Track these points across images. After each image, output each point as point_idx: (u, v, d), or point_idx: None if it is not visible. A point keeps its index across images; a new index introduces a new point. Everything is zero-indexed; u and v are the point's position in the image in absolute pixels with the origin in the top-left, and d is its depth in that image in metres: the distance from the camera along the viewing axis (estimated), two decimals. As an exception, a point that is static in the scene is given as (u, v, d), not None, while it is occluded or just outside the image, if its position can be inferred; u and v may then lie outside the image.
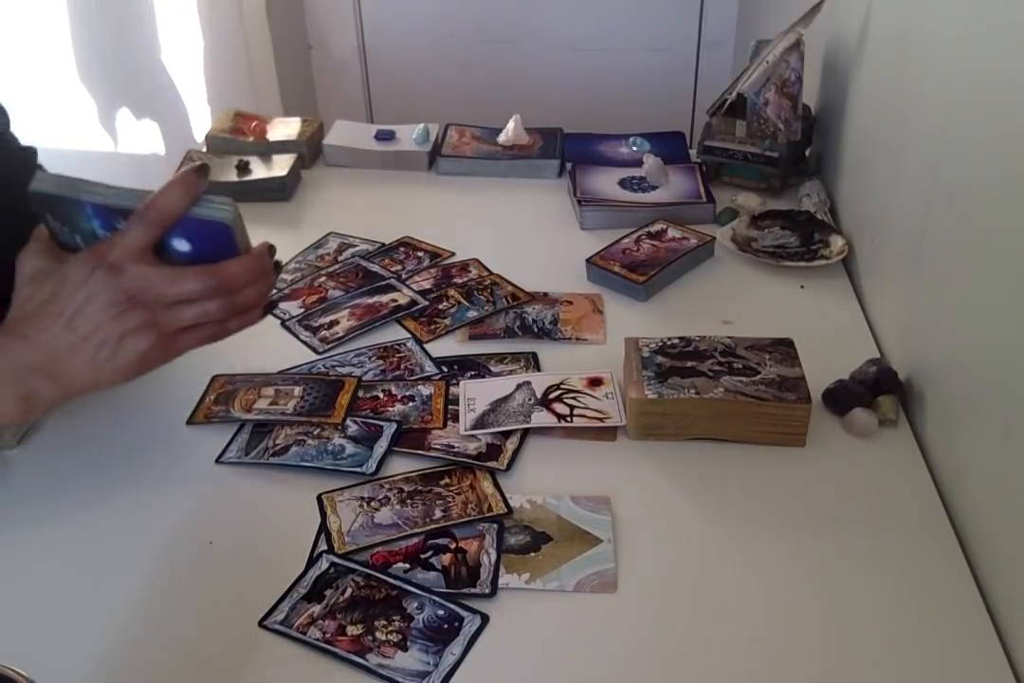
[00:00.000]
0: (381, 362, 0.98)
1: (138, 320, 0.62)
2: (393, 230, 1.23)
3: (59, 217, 0.64)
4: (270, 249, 0.66)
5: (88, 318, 0.61)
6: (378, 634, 0.68)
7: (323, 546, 0.76)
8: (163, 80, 2.47)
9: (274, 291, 0.70)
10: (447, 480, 0.82)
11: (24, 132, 1.02)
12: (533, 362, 0.97)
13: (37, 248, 0.66)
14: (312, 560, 0.75)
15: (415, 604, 0.70)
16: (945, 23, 0.89)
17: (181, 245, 0.63)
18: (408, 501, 0.80)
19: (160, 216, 0.61)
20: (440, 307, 1.06)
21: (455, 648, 0.67)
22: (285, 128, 1.44)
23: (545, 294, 1.09)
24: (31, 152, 1.02)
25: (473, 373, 0.96)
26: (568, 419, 0.88)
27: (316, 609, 0.70)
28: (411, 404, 0.91)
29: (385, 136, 1.43)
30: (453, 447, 0.86)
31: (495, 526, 0.77)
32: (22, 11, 2.38)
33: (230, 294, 0.64)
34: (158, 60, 2.45)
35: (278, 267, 0.69)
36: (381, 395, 0.92)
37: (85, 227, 0.64)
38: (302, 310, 1.07)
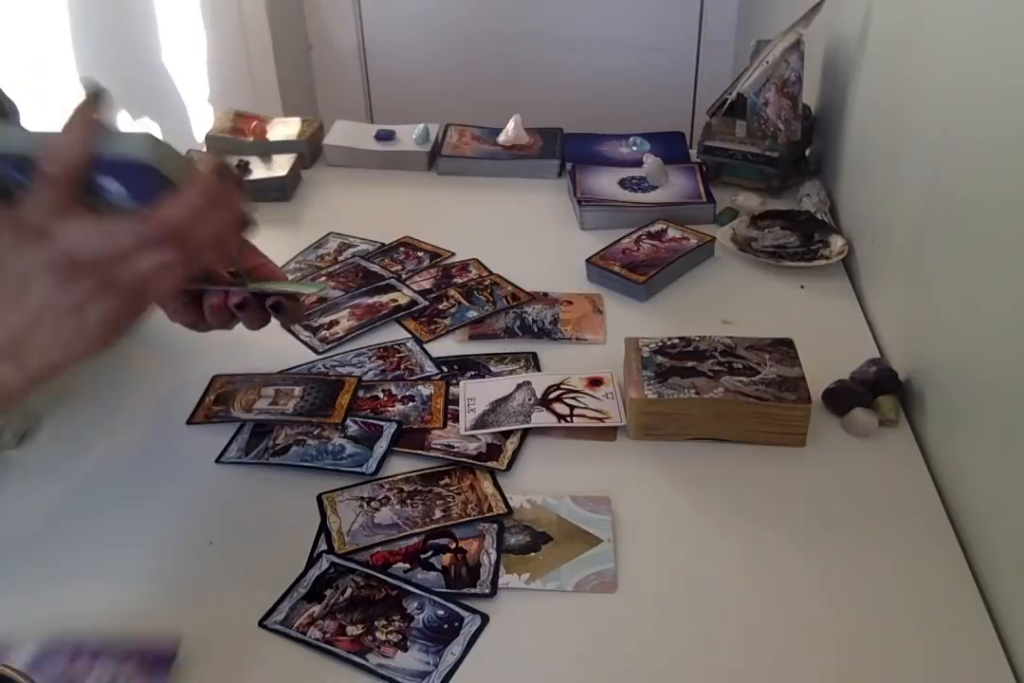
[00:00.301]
0: (381, 362, 0.98)
1: (90, 284, 0.55)
2: (393, 230, 1.23)
3: None
4: (221, 167, 0.57)
5: (34, 293, 0.54)
6: (378, 634, 0.68)
7: (323, 546, 0.76)
8: (163, 80, 2.47)
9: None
10: (447, 480, 0.82)
11: (24, 132, 1.02)
12: (533, 362, 0.97)
13: None
14: (312, 560, 0.75)
15: (415, 604, 0.70)
16: (945, 23, 0.89)
17: (109, 184, 0.55)
18: (408, 501, 0.80)
19: (61, 168, 0.52)
20: (440, 307, 1.06)
21: (455, 648, 0.67)
22: (285, 128, 1.44)
23: (545, 294, 1.09)
24: (11, 108, 1.01)
25: (473, 373, 0.96)
26: (568, 419, 0.88)
27: (316, 609, 0.70)
28: (411, 404, 0.91)
29: (385, 136, 1.43)
30: (453, 447, 0.86)
31: (495, 526, 0.77)
32: (23, 11, 2.38)
33: (182, 236, 0.55)
34: (158, 60, 2.45)
35: (240, 178, 0.59)
36: (381, 395, 0.92)
37: (8, 178, 0.57)
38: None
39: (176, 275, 0.57)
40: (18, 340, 0.55)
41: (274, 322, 1.04)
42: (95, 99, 0.53)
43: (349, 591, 0.72)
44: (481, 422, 0.88)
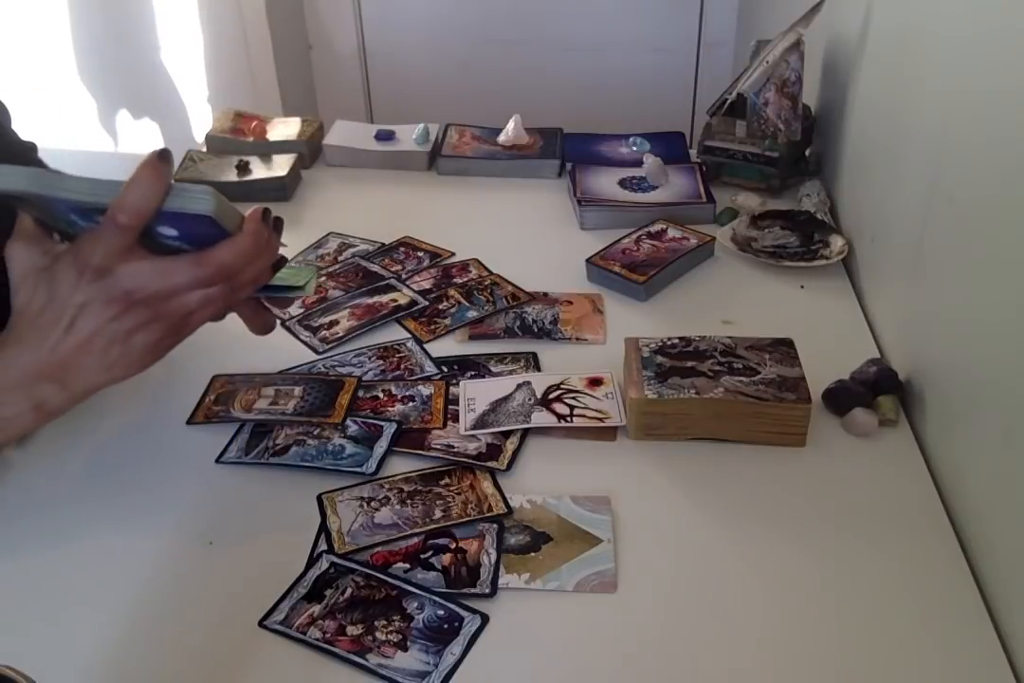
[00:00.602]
0: (381, 362, 0.98)
1: (140, 317, 0.61)
2: (393, 230, 1.23)
3: (35, 211, 0.62)
4: (265, 215, 0.63)
5: (87, 323, 0.60)
6: (378, 634, 0.68)
7: (323, 546, 0.76)
8: (163, 80, 2.47)
9: (281, 247, 0.68)
10: (447, 480, 0.82)
11: (24, 132, 1.02)
12: (533, 362, 0.97)
13: (24, 239, 0.63)
14: (312, 560, 0.75)
15: (415, 604, 0.70)
16: (945, 23, 0.89)
17: (168, 231, 0.60)
18: (408, 501, 0.80)
19: (131, 218, 0.58)
20: (440, 307, 1.06)
21: (455, 648, 0.67)
22: (285, 128, 1.44)
23: (545, 294, 1.09)
24: (31, 147, 1.02)
25: (473, 373, 0.96)
26: (568, 419, 0.88)
27: (316, 609, 0.70)
28: (411, 404, 0.91)
29: (385, 136, 1.43)
30: (453, 447, 0.86)
31: (495, 526, 0.77)
32: (23, 11, 2.38)
33: (230, 277, 0.62)
34: (158, 60, 2.46)
35: (279, 227, 0.65)
36: (381, 395, 0.92)
37: (63, 220, 0.62)
38: (302, 310, 1.07)
39: (218, 308, 0.64)
40: (67, 364, 0.61)
41: (275, 321, 1.05)
42: (164, 157, 0.58)
43: (349, 591, 0.72)
44: (481, 422, 0.88)
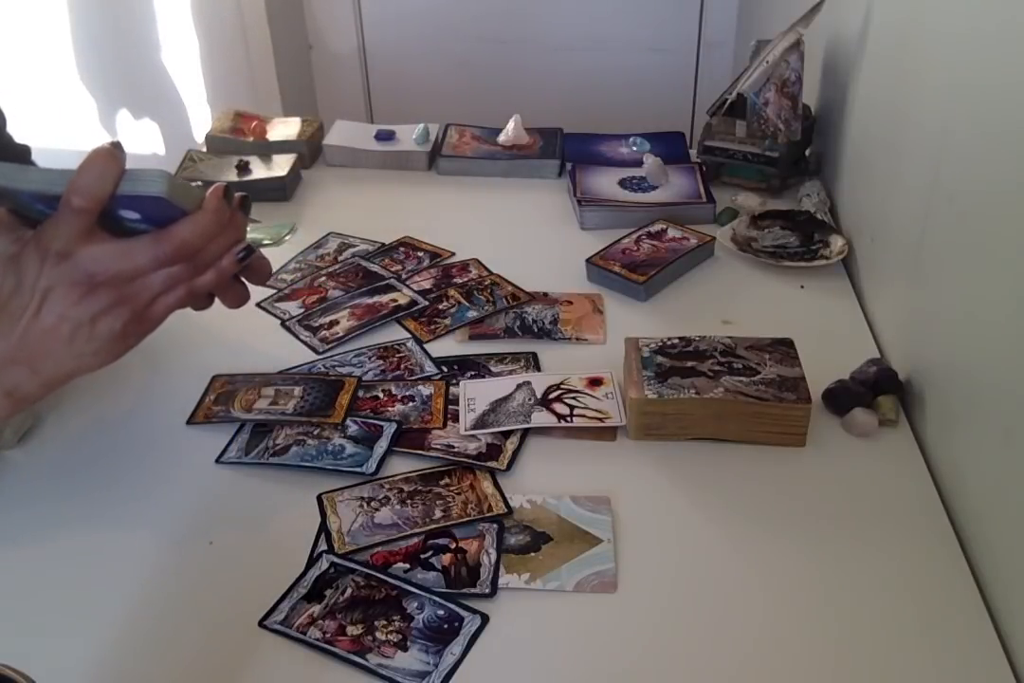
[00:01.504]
0: (381, 362, 0.98)
1: (105, 300, 0.61)
2: (393, 230, 1.23)
3: (8, 203, 0.63)
4: (226, 193, 0.63)
5: (52, 308, 0.60)
6: (378, 634, 0.68)
7: (323, 546, 0.76)
8: (163, 80, 2.47)
9: (251, 223, 0.66)
10: (447, 480, 0.82)
11: (24, 133, 1.02)
12: (533, 362, 0.97)
13: None
14: (312, 560, 0.75)
15: (415, 604, 0.70)
16: (945, 22, 0.89)
17: (128, 214, 0.61)
18: (408, 501, 0.80)
19: (85, 202, 0.58)
20: (440, 307, 1.06)
21: (455, 648, 0.67)
22: (285, 128, 1.44)
23: (545, 294, 1.09)
24: (25, 150, 1.02)
25: (473, 373, 0.96)
26: (568, 419, 0.88)
27: (316, 609, 0.70)
28: (411, 404, 0.91)
29: (385, 136, 1.43)
30: (453, 447, 0.86)
31: (495, 526, 0.77)
32: (22, 11, 2.38)
33: (192, 255, 0.62)
34: (158, 60, 2.46)
35: (246, 206, 0.65)
36: (381, 395, 0.92)
37: (33, 209, 0.63)
38: (302, 310, 1.07)
39: (184, 292, 0.64)
40: (36, 350, 0.61)
41: (273, 322, 1.05)
42: (114, 144, 0.59)
43: (349, 591, 0.72)
44: (481, 422, 0.88)
